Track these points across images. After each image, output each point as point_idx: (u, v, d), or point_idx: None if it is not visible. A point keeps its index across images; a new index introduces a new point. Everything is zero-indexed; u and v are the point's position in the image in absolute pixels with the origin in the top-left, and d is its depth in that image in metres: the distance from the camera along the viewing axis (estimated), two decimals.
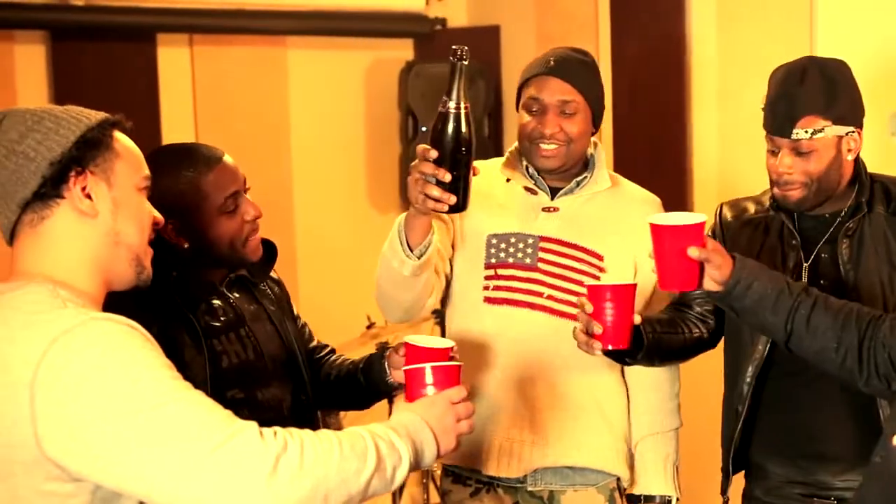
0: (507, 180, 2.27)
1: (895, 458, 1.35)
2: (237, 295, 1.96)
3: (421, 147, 1.87)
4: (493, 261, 2.22)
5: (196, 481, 1.25)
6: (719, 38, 3.46)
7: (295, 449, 1.29)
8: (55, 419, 1.27)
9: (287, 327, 2.02)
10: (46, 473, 1.29)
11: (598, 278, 2.18)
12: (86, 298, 1.39)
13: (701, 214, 1.77)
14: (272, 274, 2.09)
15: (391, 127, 4.40)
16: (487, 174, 2.23)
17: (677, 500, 2.29)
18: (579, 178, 2.25)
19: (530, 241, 2.21)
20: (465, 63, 1.84)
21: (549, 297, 2.19)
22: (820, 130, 1.95)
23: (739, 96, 3.37)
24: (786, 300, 1.75)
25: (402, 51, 4.52)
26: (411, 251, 1.99)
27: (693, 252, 1.72)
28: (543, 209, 2.24)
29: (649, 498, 2.29)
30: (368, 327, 3.75)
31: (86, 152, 1.41)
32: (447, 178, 1.84)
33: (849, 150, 2.00)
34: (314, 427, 2.03)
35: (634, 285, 1.92)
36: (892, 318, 1.74)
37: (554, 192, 2.25)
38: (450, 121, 1.84)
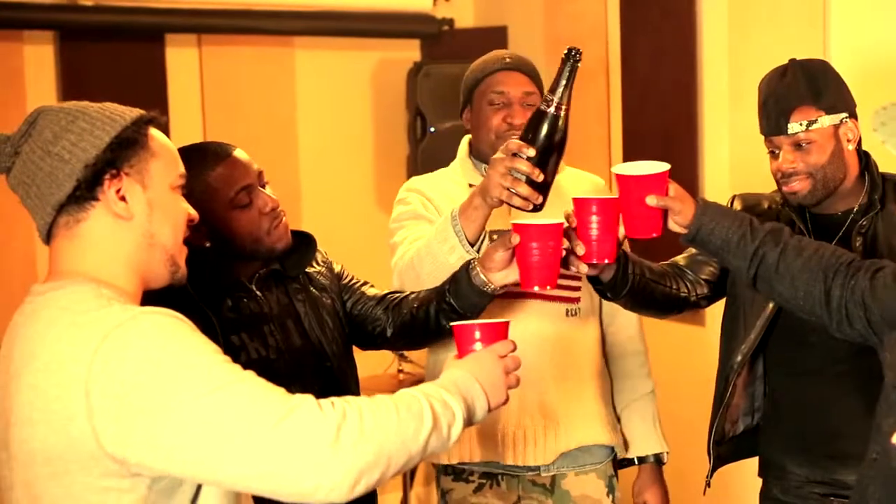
0: (470, 185, 2.28)
1: (894, 455, 1.34)
2: (265, 291, 1.94)
3: (517, 143, 1.84)
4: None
5: (261, 458, 1.26)
6: (731, 37, 3.45)
7: (354, 416, 1.30)
8: (114, 413, 1.27)
9: (323, 325, 1.99)
10: (104, 469, 1.30)
11: None
12: (126, 297, 1.39)
13: (664, 163, 1.80)
14: (319, 260, 2.07)
15: (399, 127, 4.40)
16: (447, 185, 2.32)
17: (667, 454, 2.41)
18: None
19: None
20: (579, 64, 1.82)
21: None
22: (814, 121, 1.99)
23: (751, 96, 3.33)
24: (747, 245, 1.77)
25: (410, 51, 4.52)
26: (470, 244, 1.96)
27: (651, 200, 1.76)
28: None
29: (643, 458, 2.39)
30: None
31: (120, 153, 1.40)
32: (541, 178, 1.83)
33: (848, 140, 2.02)
34: None
35: (618, 199, 1.88)
36: (872, 273, 1.71)
37: None
38: (553, 122, 1.82)
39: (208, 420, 1.26)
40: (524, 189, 1.83)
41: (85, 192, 1.39)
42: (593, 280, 1.98)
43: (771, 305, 2.07)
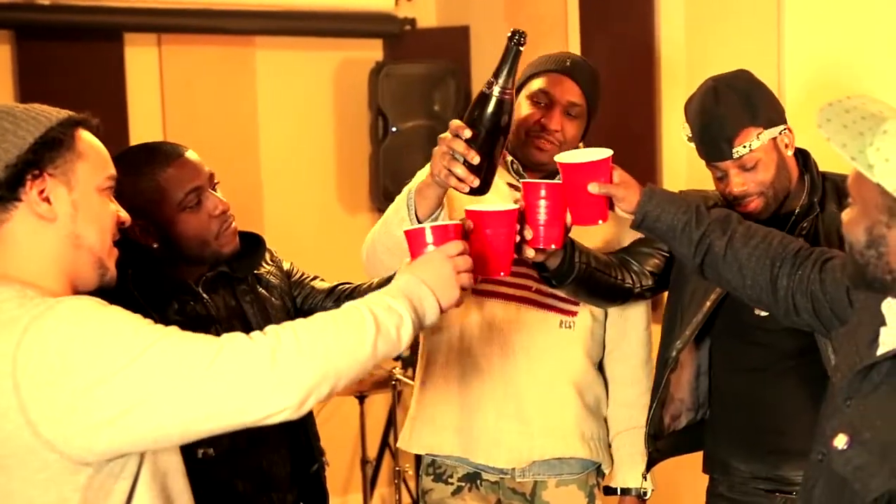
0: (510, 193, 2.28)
1: (836, 458, 1.34)
2: (211, 293, 1.93)
3: (456, 124, 1.82)
4: None
5: (203, 401, 1.28)
6: (688, 39, 3.49)
7: (289, 338, 1.33)
8: (48, 401, 1.27)
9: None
10: (42, 463, 1.29)
11: None
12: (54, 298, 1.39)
13: (607, 150, 1.80)
14: (268, 259, 2.06)
15: (361, 127, 4.40)
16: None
17: (652, 491, 2.35)
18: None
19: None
20: (522, 48, 1.77)
21: (537, 291, 2.24)
22: (756, 140, 1.97)
23: None
24: (692, 232, 1.77)
25: (372, 51, 4.52)
26: (419, 220, 1.95)
27: (593, 188, 1.76)
28: None
29: (626, 490, 2.34)
30: None
31: (44, 154, 1.40)
32: (476, 160, 1.79)
33: (786, 146, 2.03)
34: (298, 433, 2.03)
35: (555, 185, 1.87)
36: (820, 265, 1.69)
37: None
38: (492, 104, 1.77)
39: (145, 380, 1.28)
40: (460, 170, 1.79)
41: (7, 192, 1.38)
42: (539, 266, 1.97)
43: (709, 303, 2.07)
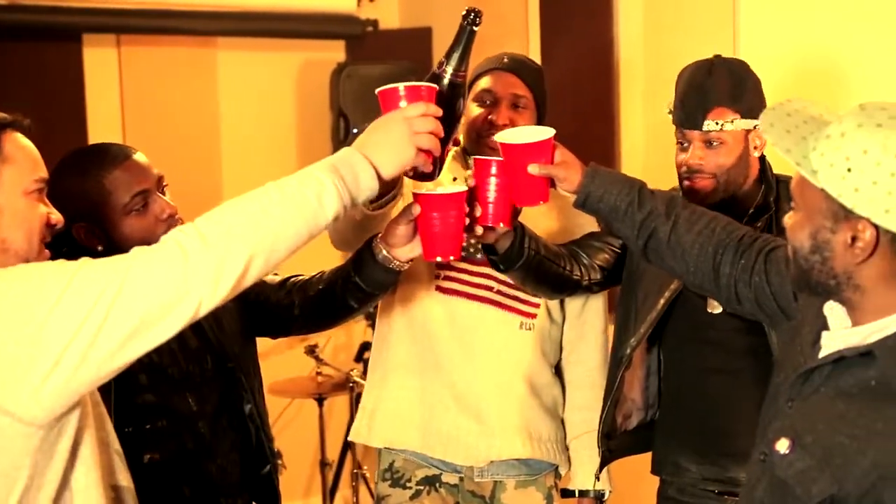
0: (454, 179, 2.28)
1: (778, 461, 1.34)
2: None
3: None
4: None
5: (133, 310, 1.29)
6: (646, 41, 3.52)
7: (190, 229, 1.35)
8: None
9: (222, 325, 1.96)
10: None
11: None
12: None
13: (548, 129, 1.76)
14: None
15: (322, 128, 4.39)
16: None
17: (610, 492, 2.35)
18: None
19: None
20: (476, 29, 1.70)
21: (499, 292, 2.25)
22: (730, 122, 1.99)
23: (665, 98, 3.41)
24: (634, 214, 1.72)
25: (334, 52, 4.51)
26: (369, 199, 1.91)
27: (533, 169, 1.72)
28: None
29: (584, 493, 2.34)
30: None
31: None
32: (430, 168, 1.67)
33: (755, 147, 2.04)
34: (249, 435, 2.02)
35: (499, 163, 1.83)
36: (765, 255, 1.65)
37: None
38: (442, 86, 1.67)
39: (76, 309, 1.28)
40: None
41: None
42: (488, 249, 1.95)
43: (662, 300, 2.07)
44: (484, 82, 2.24)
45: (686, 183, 2.04)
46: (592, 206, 1.76)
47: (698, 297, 2.08)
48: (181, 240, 1.34)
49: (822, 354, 1.34)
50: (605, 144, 3.62)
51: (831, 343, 1.34)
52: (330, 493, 4.00)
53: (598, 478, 2.29)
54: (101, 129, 4.13)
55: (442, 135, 1.58)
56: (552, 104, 3.92)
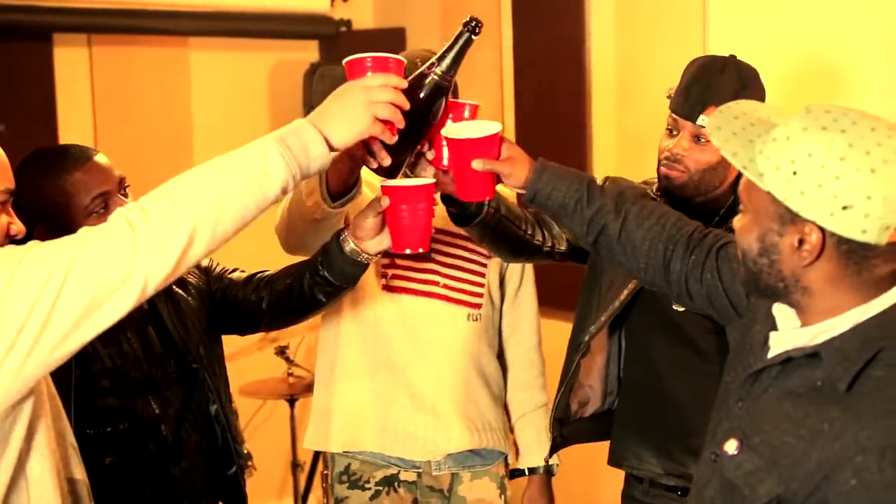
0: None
1: (726, 462, 1.33)
2: None
3: None
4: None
5: (82, 296, 1.28)
6: (617, 41, 3.53)
7: (135, 207, 1.33)
8: None
9: (188, 326, 1.95)
10: None
11: (486, 266, 2.33)
12: None
13: (495, 124, 1.72)
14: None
15: None
16: (370, 176, 2.27)
17: (557, 466, 2.42)
18: None
19: None
20: (474, 38, 1.63)
21: (445, 286, 2.29)
22: None
23: (636, 97, 3.43)
24: (583, 211, 1.69)
25: (307, 52, 4.49)
26: (330, 196, 1.89)
27: (477, 165, 1.68)
28: None
29: (533, 469, 2.40)
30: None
31: None
32: (392, 140, 1.62)
33: None
34: (215, 437, 2.01)
35: (473, 108, 1.79)
36: (716, 252, 1.63)
37: None
38: (428, 86, 1.63)
39: (26, 290, 1.26)
40: (373, 145, 1.67)
41: None
42: (446, 200, 1.89)
43: (626, 292, 2.06)
44: None
45: (662, 168, 2.03)
46: (541, 203, 1.72)
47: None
48: (127, 216, 1.32)
49: (770, 355, 1.34)
50: (577, 144, 3.62)
51: (779, 343, 1.34)
52: (303, 494, 3.98)
53: (547, 462, 2.34)
54: (71, 129, 4.10)
55: (406, 107, 1.54)
56: (525, 104, 3.94)
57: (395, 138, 1.57)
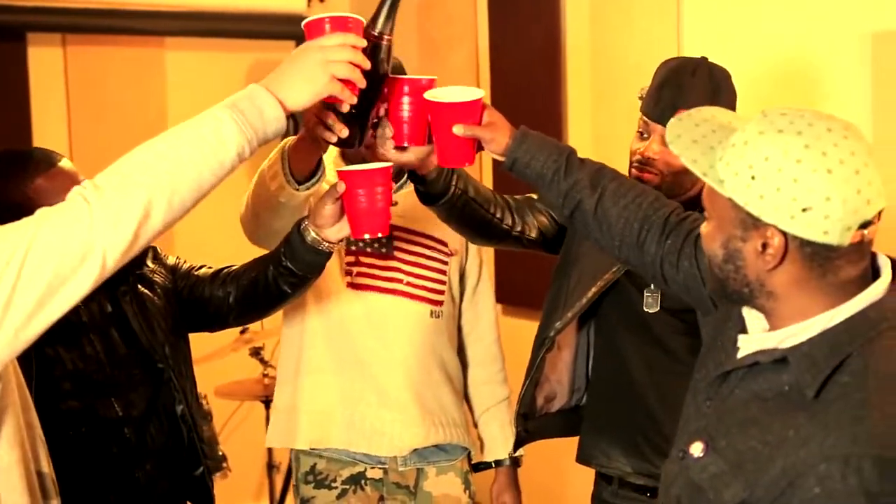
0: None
1: (692, 464, 1.32)
2: (84, 299, 1.86)
3: None
4: (354, 248, 2.30)
5: (41, 281, 1.25)
6: (592, 41, 3.54)
7: (89, 184, 1.31)
8: None
9: (153, 326, 1.94)
10: None
11: (447, 263, 2.35)
12: None
13: (478, 90, 1.72)
14: (151, 258, 2.02)
15: None
16: (324, 187, 2.30)
17: (522, 457, 2.45)
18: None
19: None
20: None
21: (408, 284, 2.32)
22: None
23: (611, 97, 3.44)
24: (560, 183, 1.67)
25: (284, 52, 4.41)
26: (293, 177, 1.90)
27: (458, 129, 1.67)
28: None
29: (500, 462, 2.45)
30: (242, 332, 3.73)
31: None
32: (344, 108, 1.62)
33: None
34: (184, 442, 1.99)
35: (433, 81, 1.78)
36: (694, 240, 1.59)
37: None
38: (368, 50, 1.57)
39: None
40: (328, 117, 1.67)
41: None
42: (413, 177, 1.89)
43: (594, 289, 2.06)
44: None
45: (634, 171, 2.03)
46: (520, 172, 1.70)
47: (636, 292, 2.08)
48: (82, 192, 1.31)
49: (739, 356, 1.33)
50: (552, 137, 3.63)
51: (747, 346, 1.33)
52: (280, 496, 3.97)
53: (511, 455, 2.38)
54: (46, 130, 4.07)
55: (366, 67, 1.51)
56: (501, 106, 3.92)
57: (355, 99, 1.54)
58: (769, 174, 1.20)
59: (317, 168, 1.90)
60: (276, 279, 1.97)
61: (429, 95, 1.70)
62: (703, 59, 2.04)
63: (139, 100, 4.28)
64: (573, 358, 2.20)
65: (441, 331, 2.36)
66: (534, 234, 2.12)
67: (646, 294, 2.06)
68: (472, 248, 2.42)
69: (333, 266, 2.25)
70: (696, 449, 1.31)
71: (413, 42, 4.28)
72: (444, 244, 2.37)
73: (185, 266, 2.09)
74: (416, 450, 2.33)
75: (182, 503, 2.02)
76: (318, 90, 1.44)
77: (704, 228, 1.34)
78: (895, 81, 2.69)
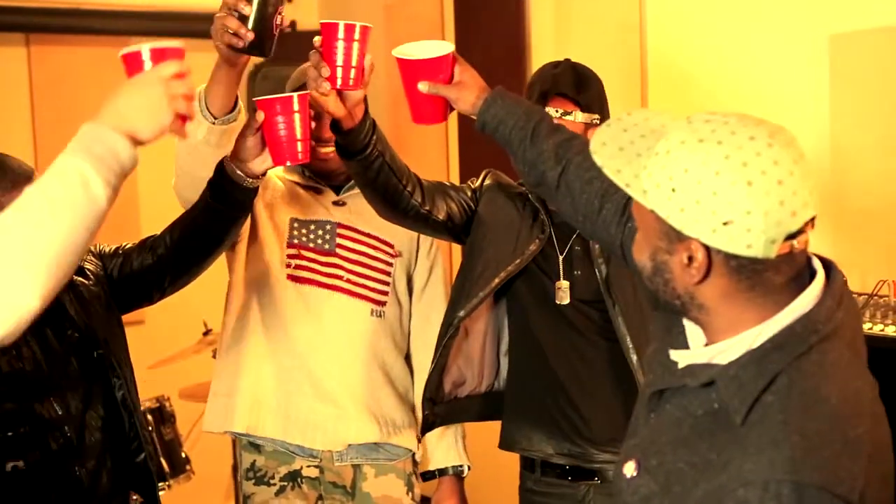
0: (294, 182, 2.35)
1: (624, 486, 1.27)
2: None
3: None
4: (296, 241, 2.30)
5: None
6: (556, 44, 3.56)
7: None
8: None
9: (90, 313, 1.93)
10: None
11: (391, 265, 2.34)
12: None
13: (447, 44, 1.72)
14: (88, 259, 2.02)
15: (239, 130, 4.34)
16: (274, 183, 2.34)
17: (469, 468, 2.39)
18: None
19: (328, 227, 2.31)
20: None
21: (348, 281, 2.31)
22: (568, 113, 2.01)
23: None
24: (525, 152, 1.65)
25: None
26: (213, 116, 1.90)
27: (423, 87, 1.67)
28: (333, 203, 2.35)
29: (443, 471, 2.38)
30: (205, 333, 3.70)
31: None
32: (247, 10, 1.76)
33: None
34: (125, 428, 1.97)
35: (359, 27, 1.80)
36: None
37: (336, 190, 2.36)
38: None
39: None
40: (233, 23, 1.77)
41: None
42: (335, 128, 1.89)
43: (497, 280, 2.07)
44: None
45: None
46: (490, 133, 1.69)
47: (548, 281, 2.10)
48: None
49: (673, 372, 1.27)
50: None
51: (682, 361, 1.27)
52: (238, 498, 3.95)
53: (419, 440, 2.34)
54: (9, 130, 4.04)
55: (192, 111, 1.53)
56: None
57: (188, 134, 1.55)
58: (689, 186, 1.14)
59: (234, 107, 1.93)
60: (207, 224, 1.96)
61: (397, 52, 1.70)
62: (567, 60, 2.11)
63: (104, 99, 4.24)
64: (482, 343, 2.22)
65: (382, 331, 2.33)
66: (441, 217, 2.10)
67: (557, 286, 2.09)
68: (423, 250, 2.39)
69: (274, 257, 2.28)
70: (629, 469, 1.27)
71: (380, 41, 4.27)
72: (390, 245, 2.35)
73: (110, 248, 2.08)
74: (351, 445, 2.31)
75: (125, 492, 2.00)
76: (163, 125, 1.43)
77: (636, 240, 1.29)
78: (852, 82, 2.72)
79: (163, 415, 3.36)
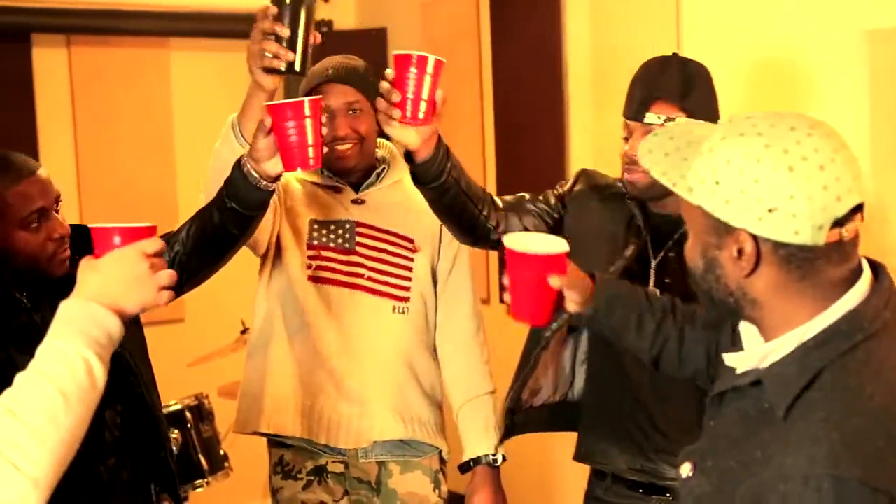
0: (313, 183, 2.38)
1: (682, 486, 1.29)
2: (42, 302, 1.86)
3: (262, 5, 1.83)
4: (316, 243, 2.32)
5: None
6: (592, 39, 3.54)
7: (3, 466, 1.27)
8: None
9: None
10: None
11: (411, 260, 2.34)
12: None
13: (560, 240, 1.68)
14: None
15: None
16: (293, 187, 2.37)
17: (504, 458, 2.36)
18: (379, 170, 2.38)
19: (347, 226, 2.33)
20: None
21: (369, 279, 2.32)
22: (671, 119, 1.95)
23: (611, 99, 3.41)
24: (649, 324, 1.70)
25: None
26: (244, 139, 1.93)
27: (555, 282, 1.63)
28: (352, 201, 2.36)
29: (476, 460, 2.35)
30: (243, 332, 3.73)
31: None
32: (286, 33, 1.80)
33: None
34: (144, 428, 1.99)
35: (432, 60, 1.79)
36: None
37: (355, 188, 2.37)
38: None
39: None
40: (272, 46, 1.81)
41: None
42: (408, 157, 1.90)
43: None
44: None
45: (626, 174, 2.03)
46: (602, 318, 1.71)
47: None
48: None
49: (730, 376, 1.31)
50: (555, 144, 3.64)
51: (734, 364, 1.30)
52: None
53: (496, 450, 2.32)
54: (51, 131, 4.10)
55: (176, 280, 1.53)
56: (503, 105, 3.95)
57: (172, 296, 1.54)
58: (732, 177, 1.18)
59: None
60: (223, 223, 1.95)
61: (510, 243, 1.63)
62: (674, 54, 2.04)
63: (144, 100, 4.30)
64: (559, 352, 2.19)
65: (406, 327, 2.34)
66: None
67: None
68: (445, 241, 2.37)
69: (295, 260, 2.30)
70: (685, 469, 1.29)
71: (416, 40, 4.29)
72: (410, 241, 2.35)
73: None
74: (376, 442, 2.32)
75: (146, 488, 2.02)
76: (148, 301, 1.45)
77: (687, 244, 1.32)
78: (891, 78, 2.69)
79: (201, 412, 3.38)
